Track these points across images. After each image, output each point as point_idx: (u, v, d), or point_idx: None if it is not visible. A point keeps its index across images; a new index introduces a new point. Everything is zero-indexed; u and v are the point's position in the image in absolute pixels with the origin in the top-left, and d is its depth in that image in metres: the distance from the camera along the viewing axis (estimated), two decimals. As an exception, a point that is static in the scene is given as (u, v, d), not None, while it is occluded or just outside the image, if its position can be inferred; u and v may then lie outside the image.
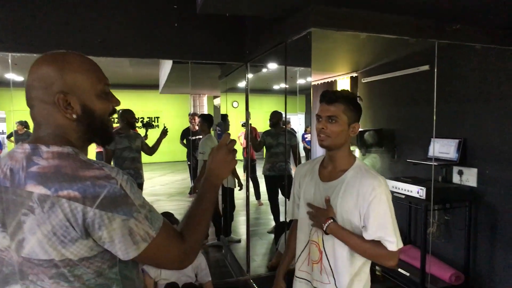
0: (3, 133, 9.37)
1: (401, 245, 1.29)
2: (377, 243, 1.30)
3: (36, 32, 2.40)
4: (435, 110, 2.58)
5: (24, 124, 7.43)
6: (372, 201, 1.28)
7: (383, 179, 1.34)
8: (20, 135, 7.43)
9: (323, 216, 1.35)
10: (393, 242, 1.27)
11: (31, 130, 6.36)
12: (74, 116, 0.86)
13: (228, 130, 4.43)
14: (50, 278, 0.79)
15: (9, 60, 2.51)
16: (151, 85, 7.88)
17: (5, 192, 0.82)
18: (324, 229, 1.34)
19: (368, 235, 1.29)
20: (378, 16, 2.01)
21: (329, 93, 1.37)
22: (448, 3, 1.97)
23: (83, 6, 2.49)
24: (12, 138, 7.45)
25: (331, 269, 1.39)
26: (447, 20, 2.18)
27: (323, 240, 1.40)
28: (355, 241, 1.31)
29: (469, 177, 2.92)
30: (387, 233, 1.28)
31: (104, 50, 2.53)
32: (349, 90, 4.24)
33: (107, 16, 2.54)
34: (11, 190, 0.81)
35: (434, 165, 2.95)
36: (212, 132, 4.27)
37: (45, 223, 0.77)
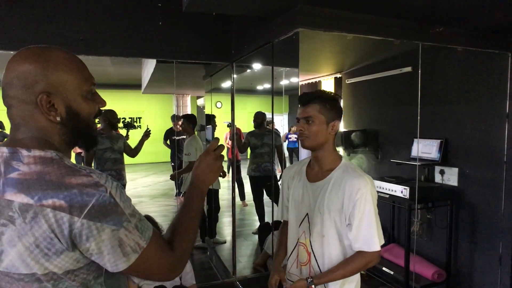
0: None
1: (382, 241, 1.33)
2: (359, 254, 1.32)
3: (14, 29, 2.29)
4: (419, 111, 2.61)
5: None
6: (357, 201, 1.29)
7: (369, 179, 1.35)
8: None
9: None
10: (376, 242, 1.29)
11: (7, 131, 6.14)
12: (58, 118, 0.79)
13: (214, 131, 4.38)
14: None
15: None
16: (133, 85, 7.71)
17: None
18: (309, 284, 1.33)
19: (353, 233, 1.30)
20: (364, 18, 2.02)
21: (304, 95, 1.39)
22: (432, 6, 2.00)
23: (64, 2, 2.39)
24: None
25: (320, 270, 1.38)
26: (431, 23, 2.21)
27: (310, 242, 1.40)
28: (343, 272, 1.32)
29: (450, 177, 2.98)
30: (373, 231, 1.29)
31: (85, 48, 2.44)
32: (333, 90, 4.30)
33: (89, 13, 2.45)
34: None
35: (414, 164, 3.00)
36: (196, 133, 4.21)
37: (27, 235, 0.70)
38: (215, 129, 4.45)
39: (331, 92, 1.44)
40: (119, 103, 8.09)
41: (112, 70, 6.22)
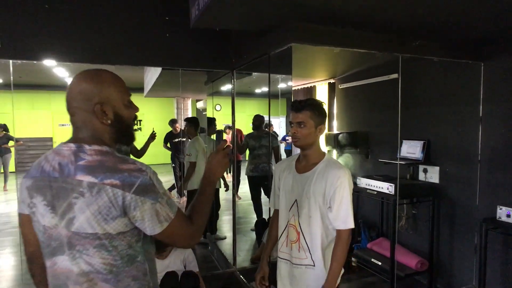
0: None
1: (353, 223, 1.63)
2: (338, 240, 1.62)
3: (34, 40, 2.58)
4: (399, 114, 2.92)
5: (3, 127, 7.44)
6: (337, 187, 1.59)
7: (347, 170, 1.66)
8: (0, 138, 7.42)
9: None
10: (351, 221, 1.61)
11: (10, 133, 6.47)
12: (108, 121, 1.09)
13: (214, 132, 4.67)
14: (94, 248, 1.02)
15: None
16: (135, 88, 8.01)
17: (54, 181, 1.04)
18: None
19: (333, 213, 1.61)
20: (349, 33, 2.33)
21: (297, 103, 1.68)
22: (410, 21, 2.31)
23: (80, 16, 2.68)
24: None
25: (308, 246, 1.68)
26: (409, 37, 2.52)
27: (299, 223, 1.69)
28: (337, 264, 1.61)
29: (432, 175, 3.29)
30: (348, 213, 1.60)
31: (101, 58, 2.74)
32: (327, 94, 4.61)
33: (104, 27, 2.75)
34: (60, 180, 1.03)
35: (401, 164, 3.31)
36: (198, 135, 4.50)
37: (92, 204, 0.99)
38: (218, 131, 4.74)
39: (319, 100, 1.74)
40: (120, 106, 8.37)
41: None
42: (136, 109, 1.20)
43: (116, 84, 1.11)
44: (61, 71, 5.88)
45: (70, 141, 1.10)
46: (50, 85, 8.37)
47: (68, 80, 7.39)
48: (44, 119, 9.87)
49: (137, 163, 1.05)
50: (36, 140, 9.62)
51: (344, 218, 1.61)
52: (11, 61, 2.62)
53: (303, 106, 1.66)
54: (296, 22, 2.17)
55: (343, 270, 1.70)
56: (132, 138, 1.20)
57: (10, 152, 7.59)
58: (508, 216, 2.25)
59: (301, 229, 1.68)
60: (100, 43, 2.74)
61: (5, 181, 7.52)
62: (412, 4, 1.91)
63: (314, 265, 1.68)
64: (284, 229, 1.77)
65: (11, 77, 2.72)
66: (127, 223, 1.04)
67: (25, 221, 1.15)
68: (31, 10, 2.57)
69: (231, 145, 1.34)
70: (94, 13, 2.73)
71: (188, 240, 1.17)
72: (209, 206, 1.25)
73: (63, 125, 9.80)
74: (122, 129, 1.14)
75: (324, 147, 4.28)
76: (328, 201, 1.62)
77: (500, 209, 2.32)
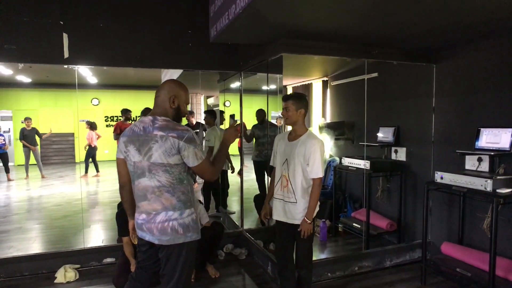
0: (9, 131, 10.45)
1: (322, 174, 2.60)
2: (313, 186, 2.58)
3: (95, 51, 3.64)
4: (366, 107, 3.91)
5: (30, 119, 8.67)
6: (312, 151, 2.57)
7: (320, 140, 2.64)
8: (28, 130, 8.62)
9: (307, 227, 2.59)
10: (320, 172, 2.58)
11: (34, 126, 8.04)
12: (174, 107, 2.09)
13: (222, 123, 5.70)
14: (162, 171, 2.00)
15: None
16: (151, 86, 9.03)
17: (140, 136, 2.02)
18: (310, 222, 2.60)
19: (309, 168, 2.58)
20: (325, 44, 3.31)
21: (284, 96, 2.69)
22: (371, 36, 3.25)
23: (126, 33, 3.73)
24: (22, 141, 8.61)
25: (293, 189, 2.66)
26: (372, 45, 3.49)
27: (288, 174, 2.69)
28: (313, 202, 2.58)
29: (401, 154, 4.26)
30: (319, 167, 2.58)
31: (140, 63, 3.78)
32: (321, 91, 5.58)
33: (142, 39, 3.79)
34: (143, 135, 2.01)
35: (377, 146, 4.30)
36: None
37: (162, 147, 1.97)
38: (231, 115, 5.72)
39: (300, 93, 2.73)
40: (137, 101, 9.45)
41: (132, 72, 7.56)
42: (186, 111, 2.21)
43: (184, 90, 2.13)
44: (85, 70, 6.91)
45: (148, 115, 2.11)
46: (73, 84, 9.47)
47: (91, 78, 8.49)
48: (67, 115, 11.00)
49: (185, 127, 2.05)
50: (59, 135, 10.79)
51: (316, 171, 2.58)
52: (76, 67, 3.68)
53: (287, 97, 2.67)
54: (285, 39, 3.17)
55: (318, 208, 2.70)
56: (181, 120, 2.20)
57: (37, 144, 8.78)
58: (441, 178, 3.20)
59: (289, 178, 2.68)
60: (140, 52, 3.78)
61: (40, 169, 8.71)
62: (370, 24, 2.86)
63: (296, 202, 2.66)
64: (279, 179, 2.77)
65: (76, 80, 3.78)
66: (180, 159, 2.02)
67: (120, 162, 2.16)
68: (89, 30, 3.62)
69: (239, 122, 2.32)
70: (134, 29, 3.76)
71: (211, 174, 2.13)
72: (224, 158, 2.25)
73: (83, 120, 10.96)
74: (178, 113, 2.14)
75: (318, 135, 5.26)
76: (307, 159, 2.60)
77: (437, 173, 3.26)
